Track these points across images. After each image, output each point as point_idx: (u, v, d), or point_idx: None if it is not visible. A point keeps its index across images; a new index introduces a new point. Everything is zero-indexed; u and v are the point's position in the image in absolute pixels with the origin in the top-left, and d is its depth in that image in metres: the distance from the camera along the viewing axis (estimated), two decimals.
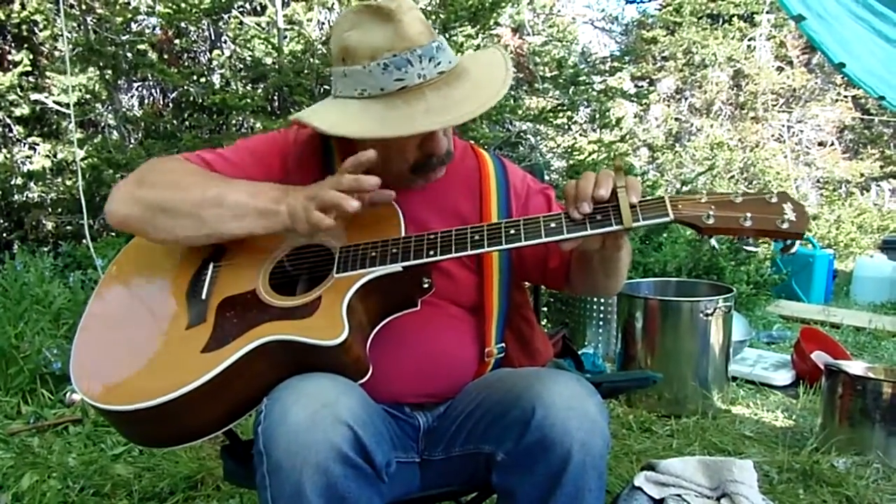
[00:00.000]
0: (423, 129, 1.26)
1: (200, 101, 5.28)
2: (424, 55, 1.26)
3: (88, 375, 1.25)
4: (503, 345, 1.48)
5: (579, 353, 3.04)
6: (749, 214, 1.15)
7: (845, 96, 10.97)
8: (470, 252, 1.23)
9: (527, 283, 1.64)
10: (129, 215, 1.33)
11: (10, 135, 5.73)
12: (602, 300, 3.96)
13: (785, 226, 1.13)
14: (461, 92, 1.29)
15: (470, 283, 1.45)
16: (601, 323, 3.99)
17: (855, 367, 2.87)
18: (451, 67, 1.31)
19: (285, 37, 5.17)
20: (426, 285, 1.31)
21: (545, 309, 4.24)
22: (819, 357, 3.52)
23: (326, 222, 1.21)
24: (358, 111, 1.29)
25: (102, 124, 5.83)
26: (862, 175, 10.75)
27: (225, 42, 5.78)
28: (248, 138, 1.53)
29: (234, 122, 5.56)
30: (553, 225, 1.20)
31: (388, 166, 1.31)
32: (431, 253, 1.23)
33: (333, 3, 5.46)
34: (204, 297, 1.31)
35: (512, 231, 1.22)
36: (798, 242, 1.17)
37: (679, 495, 1.56)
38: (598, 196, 1.18)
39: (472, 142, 1.86)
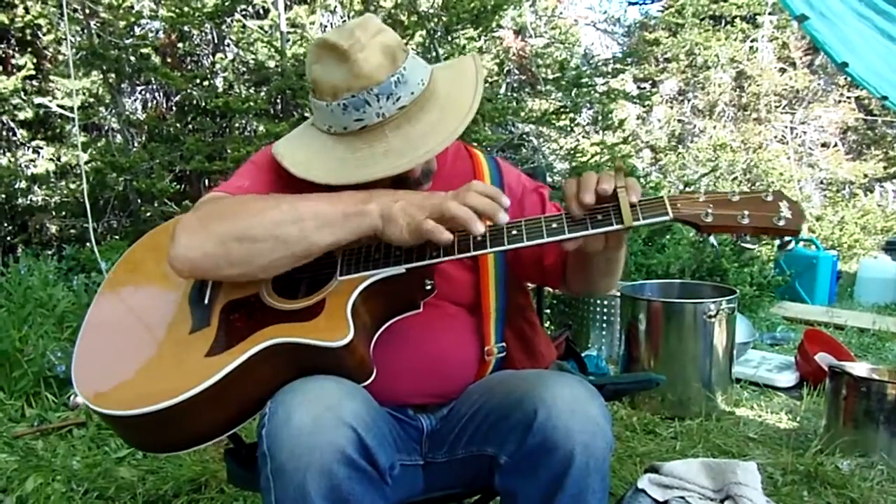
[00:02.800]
0: (382, 174, 1.25)
1: (203, 104, 5.30)
2: (382, 93, 1.25)
3: (91, 380, 1.25)
4: (503, 344, 1.48)
5: (582, 355, 3.04)
6: (746, 212, 1.16)
7: (848, 97, 10.96)
8: (473, 253, 1.23)
9: (528, 283, 1.64)
10: (203, 255, 1.22)
11: (14, 138, 5.75)
12: (605, 302, 3.96)
13: (781, 223, 1.15)
14: (423, 126, 1.29)
15: (467, 282, 1.45)
16: (604, 325, 3.98)
17: (859, 368, 2.86)
18: (415, 98, 1.29)
19: (288, 40, 5.19)
20: (429, 287, 1.31)
21: (548, 311, 4.24)
22: (823, 359, 3.52)
23: (445, 236, 1.16)
24: (324, 151, 1.31)
25: (106, 128, 5.85)
26: (865, 176, 10.73)
27: (228, 45, 5.80)
28: (254, 156, 1.50)
29: (237, 125, 5.58)
30: (555, 225, 1.20)
31: (369, 186, 1.28)
32: (434, 254, 1.23)
33: (336, 7, 5.49)
34: (207, 301, 1.31)
35: (514, 231, 1.22)
36: (794, 240, 1.18)
37: (683, 497, 1.56)
38: (601, 189, 1.17)
39: (473, 143, 1.86)
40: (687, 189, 6.36)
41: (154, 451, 1.26)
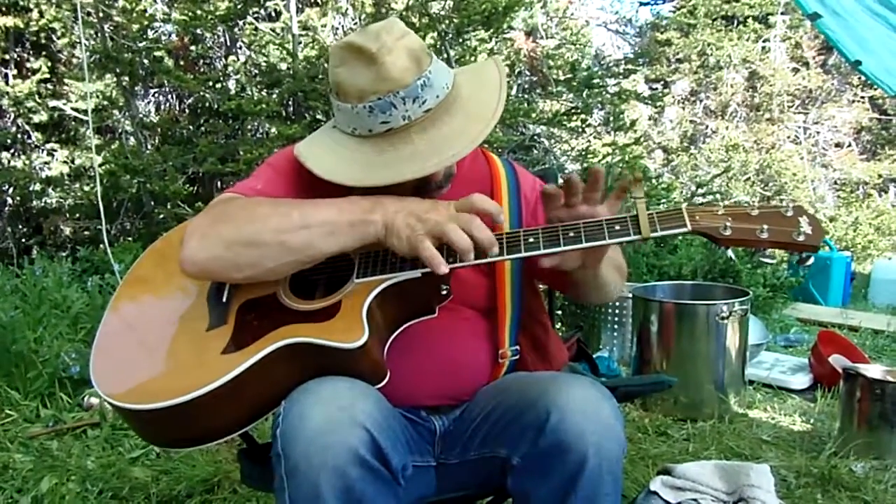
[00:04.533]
0: (409, 176, 1.25)
1: (216, 106, 5.33)
2: (408, 96, 1.25)
3: (108, 375, 1.26)
4: (517, 347, 1.48)
5: (594, 356, 3.03)
6: (765, 227, 1.16)
7: (862, 97, 10.88)
8: (489, 260, 1.24)
9: (541, 285, 1.64)
10: (211, 258, 1.25)
11: (29, 141, 5.81)
12: (617, 303, 3.94)
13: (801, 238, 1.15)
14: (449, 129, 1.29)
15: (483, 286, 1.45)
16: (616, 326, 3.97)
17: (873, 370, 2.84)
18: (440, 101, 1.29)
19: (300, 42, 5.22)
20: (444, 292, 1.31)
21: (559, 312, 4.23)
22: (837, 360, 3.50)
23: (442, 269, 1.17)
24: (349, 153, 1.31)
25: (119, 130, 5.90)
26: (880, 176, 10.64)
27: (240, 48, 5.83)
28: (271, 157, 1.51)
29: (249, 127, 5.61)
30: (572, 234, 1.21)
31: (392, 189, 1.28)
32: (451, 260, 1.24)
33: (347, 9, 5.51)
34: (225, 299, 1.32)
35: (531, 239, 1.23)
36: (812, 255, 1.19)
37: (696, 500, 1.56)
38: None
39: (486, 146, 1.86)
40: (699, 190, 6.32)
41: (170, 447, 1.28)
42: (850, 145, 11.10)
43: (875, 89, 9.98)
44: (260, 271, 1.25)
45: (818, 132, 10.96)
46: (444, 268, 1.17)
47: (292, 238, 1.22)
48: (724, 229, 1.17)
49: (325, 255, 1.24)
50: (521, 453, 1.21)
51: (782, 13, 10.57)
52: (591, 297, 1.47)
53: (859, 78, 10.30)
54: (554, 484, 1.16)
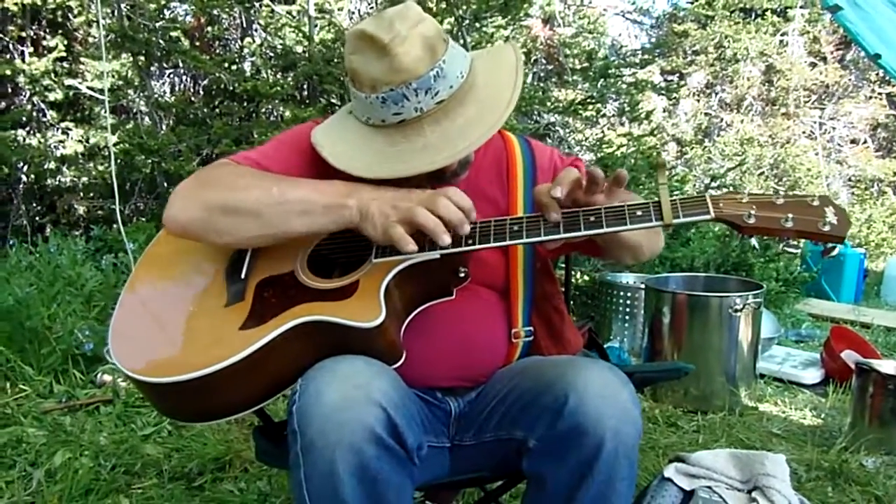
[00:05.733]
0: (420, 169, 1.25)
1: (231, 88, 5.33)
2: (421, 87, 1.24)
3: (127, 351, 1.27)
4: (531, 328, 1.48)
5: (605, 346, 3.03)
6: (790, 216, 1.15)
7: (879, 93, 10.77)
8: (508, 242, 1.24)
9: (561, 256, 1.61)
10: (191, 219, 1.29)
11: (44, 119, 5.81)
12: (628, 294, 3.94)
13: (826, 228, 1.14)
14: (462, 120, 1.29)
15: (498, 265, 1.46)
16: (627, 317, 3.97)
17: (887, 366, 2.83)
18: (453, 92, 1.28)
19: (316, 25, 5.20)
20: (462, 274, 1.31)
21: (571, 302, 4.22)
22: (849, 356, 3.48)
23: (410, 248, 1.18)
24: (363, 142, 1.32)
25: (134, 110, 5.90)
26: (895, 174, 10.56)
27: (256, 30, 5.82)
28: (282, 133, 1.53)
29: (263, 109, 5.61)
30: (592, 218, 1.21)
31: (406, 180, 1.29)
32: (470, 242, 1.24)
33: None
34: (243, 276, 1.33)
35: (551, 223, 1.22)
36: (838, 246, 1.18)
37: (710, 487, 1.55)
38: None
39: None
40: (713, 182, 6.29)
41: (187, 421, 1.29)
42: (865, 142, 10.99)
43: (893, 85, 9.87)
44: (237, 238, 1.29)
45: (834, 128, 10.86)
46: (411, 246, 1.18)
47: (268, 211, 1.25)
48: (748, 217, 1.16)
49: (298, 233, 1.27)
50: (537, 436, 1.21)
51: (801, 7, 10.45)
52: (623, 258, 1.47)
53: (877, 74, 10.20)
54: (570, 467, 1.16)
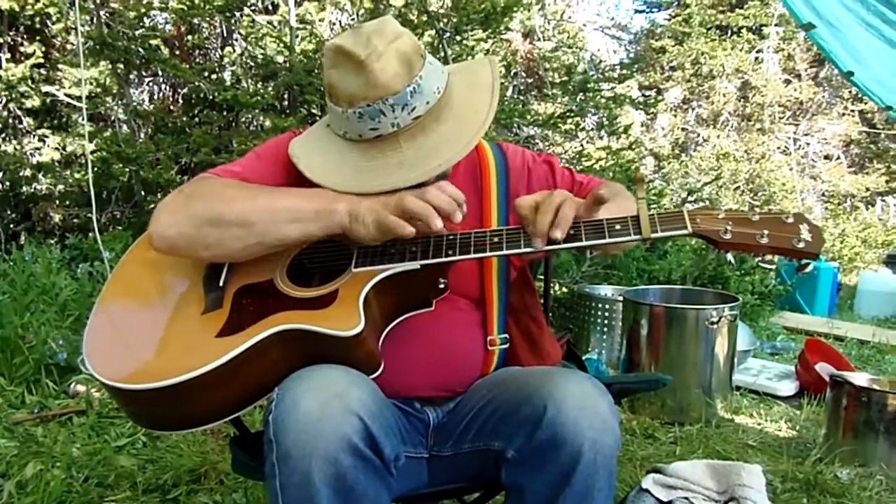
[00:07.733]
0: (395, 185, 1.26)
1: (211, 97, 5.30)
2: (397, 103, 1.25)
3: (102, 357, 1.25)
4: (507, 336, 1.48)
5: (583, 358, 3.03)
6: (766, 232, 1.17)
7: (852, 110, 10.99)
8: (489, 254, 1.25)
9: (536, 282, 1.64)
10: (180, 233, 1.27)
11: (20, 126, 5.75)
12: (606, 306, 3.96)
13: (801, 245, 1.16)
14: (437, 136, 1.30)
15: (474, 274, 1.46)
16: (605, 329, 3.99)
17: (860, 378, 2.87)
18: (430, 108, 1.29)
19: (297, 36, 5.20)
20: (442, 286, 1.32)
21: (549, 314, 4.23)
22: (823, 368, 3.52)
23: (408, 230, 1.19)
24: (339, 156, 1.32)
25: (112, 118, 5.84)
26: (867, 189, 10.75)
27: (237, 39, 5.80)
28: (259, 146, 1.52)
29: (244, 119, 5.59)
30: (572, 232, 1.21)
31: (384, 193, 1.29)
32: (450, 253, 1.24)
33: (345, 4, 5.49)
34: (221, 284, 1.32)
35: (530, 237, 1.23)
36: (812, 262, 1.20)
37: (687, 498, 1.56)
38: (553, 237, 1.19)
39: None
40: (690, 197, 6.36)
41: (161, 429, 1.27)
42: (838, 158, 11.19)
43: (865, 103, 10.08)
44: (226, 251, 1.28)
45: (808, 144, 11.04)
46: (409, 228, 1.19)
47: (257, 221, 1.25)
48: (724, 233, 1.18)
49: (290, 240, 1.27)
50: (516, 446, 1.21)
51: (776, 25, 10.63)
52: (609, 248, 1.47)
53: (850, 91, 10.39)
54: (548, 477, 1.16)
